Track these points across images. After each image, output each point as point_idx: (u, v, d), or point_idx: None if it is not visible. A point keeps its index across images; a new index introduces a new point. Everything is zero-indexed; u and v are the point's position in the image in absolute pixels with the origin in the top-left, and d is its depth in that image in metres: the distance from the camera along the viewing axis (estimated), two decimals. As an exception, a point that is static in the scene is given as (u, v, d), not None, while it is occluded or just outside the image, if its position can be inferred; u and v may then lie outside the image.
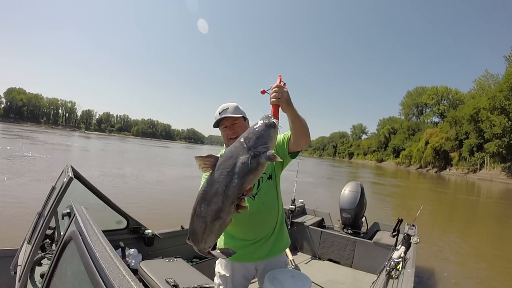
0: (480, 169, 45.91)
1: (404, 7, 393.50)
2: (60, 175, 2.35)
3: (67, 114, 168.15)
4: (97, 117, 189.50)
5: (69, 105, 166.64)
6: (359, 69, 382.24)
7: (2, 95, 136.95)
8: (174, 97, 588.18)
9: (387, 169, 58.74)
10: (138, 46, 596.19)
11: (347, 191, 5.01)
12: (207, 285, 2.25)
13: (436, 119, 77.04)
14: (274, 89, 1.41)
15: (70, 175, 2.02)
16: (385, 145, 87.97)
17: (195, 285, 2.21)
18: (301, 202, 5.53)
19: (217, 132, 1.82)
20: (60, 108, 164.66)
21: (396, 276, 2.79)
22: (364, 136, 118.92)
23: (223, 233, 1.72)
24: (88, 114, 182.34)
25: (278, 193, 1.87)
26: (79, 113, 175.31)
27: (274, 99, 1.40)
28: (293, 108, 1.47)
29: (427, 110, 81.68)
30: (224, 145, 1.85)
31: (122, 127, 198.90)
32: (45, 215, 2.07)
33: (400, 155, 73.51)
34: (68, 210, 2.22)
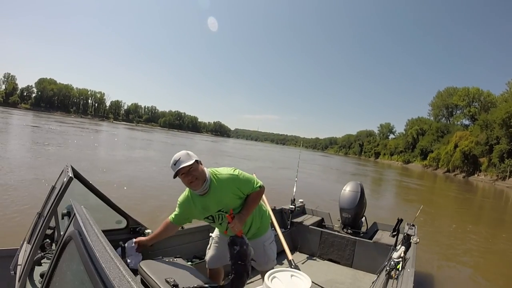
0: (509, 177, 43.48)
1: (438, 7, 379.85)
2: (60, 175, 2.35)
3: (96, 104, 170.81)
4: (125, 107, 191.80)
5: (98, 95, 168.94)
6: (389, 67, 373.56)
7: (34, 85, 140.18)
8: (200, 91, 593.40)
9: (413, 171, 57.01)
10: (164, 40, 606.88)
11: (347, 191, 5.00)
12: (207, 285, 2.20)
13: (466, 122, 73.99)
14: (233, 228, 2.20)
15: (70, 175, 2.01)
16: (413, 146, 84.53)
17: (195, 285, 2.15)
18: (301, 202, 5.52)
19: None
20: (90, 98, 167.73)
21: (396, 276, 2.77)
22: (391, 136, 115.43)
23: None
24: (116, 105, 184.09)
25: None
26: (108, 104, 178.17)
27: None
28: (246, 217, 2.32)
29: (458, 111, 78.33)
30: (187, 188, 2.35)
31: (150, 118, 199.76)
32: (45, 215, 2.08)
33: (428, 158, 70.70)
34: (68, 210, 2.20)
